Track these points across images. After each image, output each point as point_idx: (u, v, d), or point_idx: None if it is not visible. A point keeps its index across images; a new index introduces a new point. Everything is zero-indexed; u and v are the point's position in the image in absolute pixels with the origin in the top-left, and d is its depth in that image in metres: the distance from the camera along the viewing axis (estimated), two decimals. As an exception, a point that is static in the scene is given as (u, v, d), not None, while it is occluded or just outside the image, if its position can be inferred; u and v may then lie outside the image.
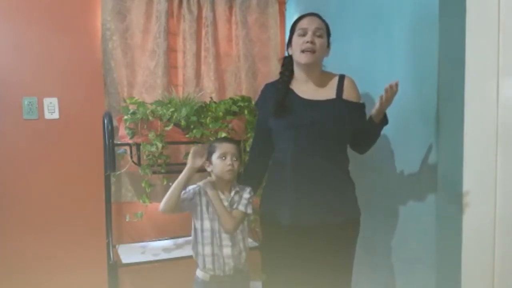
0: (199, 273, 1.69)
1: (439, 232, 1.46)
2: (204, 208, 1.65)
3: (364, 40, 1.89)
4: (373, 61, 1.81)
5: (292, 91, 1.65)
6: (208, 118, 2.06)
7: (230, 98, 2.20)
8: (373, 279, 1.86)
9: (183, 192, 1.61)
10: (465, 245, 1.47)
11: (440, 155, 1.46)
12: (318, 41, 1.58)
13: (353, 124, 1.61)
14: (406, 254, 1.64)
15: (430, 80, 1.46)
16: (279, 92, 1.64)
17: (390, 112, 1.69)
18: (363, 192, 1.89)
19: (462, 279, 1.47)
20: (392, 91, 1.45)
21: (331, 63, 1.98)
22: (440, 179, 1.46)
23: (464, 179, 1.46)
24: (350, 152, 1.68)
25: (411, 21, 1.57)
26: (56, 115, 2.27)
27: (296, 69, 1.67)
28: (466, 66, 1.45)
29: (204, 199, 1.66)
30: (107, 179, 2.17)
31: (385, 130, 1.72)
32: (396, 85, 1.43)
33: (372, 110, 1.54)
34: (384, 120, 1.58)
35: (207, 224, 1.65)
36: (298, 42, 1.60)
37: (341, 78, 1.66)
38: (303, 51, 1.58)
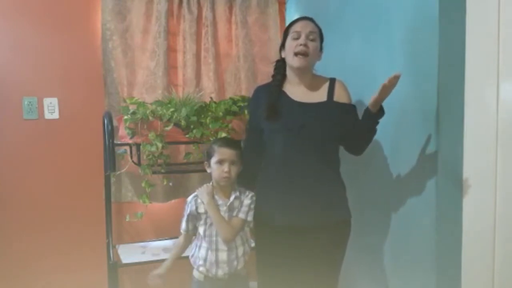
0: (195, 272, 1.69)
1: (439, 232, 1.46)
2: (201, 216, 1.66)
3: (364, 40, 1.89)
4: (373, 61, 1.81)
5: (284, 93, 1.67)
6: (208, 118, 2.06)
7: (230, 98, 2.20)
8: (373, 279, 1.86)
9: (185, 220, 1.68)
10: (465, 245, 1.46)
11: (440, 155, 1.46)
12: (311, 44, 1.61)
13: (344, 125, 1.62)
14: (406, 254, 1.63)
15: (430, 80, 1.46)
16: (272, 95, 1.66)
17: (390, 112, 1.69)
18: (363, 191, 1.89)
19: (462, 279, 1.47)
20: (391, 83, 1.42)
21: (331, 63, 1.97)
22: (440, 179, 1.46)
23: (464, 179, 1.46)
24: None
25: (411, 21, 1.57)
26: (56, 115, 2.27)
27: (289, 72, 1.69)
28: (466, 66, 1.45)
29: (202, 207, 1.65)
30: (107, 179, 2.18)
31: (385, 130, 1.72)
32: (395, 77, 1.40)
33: (370, 101, 1.52)
34: (381, 112, 1.55)
35: (201, 229, 1.65)
36: (292, 45, 1.62)
37: (332, 81, 1.69)
38: (296, 54, 1.60)
